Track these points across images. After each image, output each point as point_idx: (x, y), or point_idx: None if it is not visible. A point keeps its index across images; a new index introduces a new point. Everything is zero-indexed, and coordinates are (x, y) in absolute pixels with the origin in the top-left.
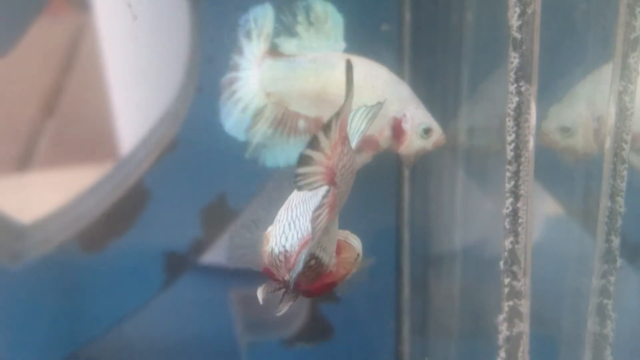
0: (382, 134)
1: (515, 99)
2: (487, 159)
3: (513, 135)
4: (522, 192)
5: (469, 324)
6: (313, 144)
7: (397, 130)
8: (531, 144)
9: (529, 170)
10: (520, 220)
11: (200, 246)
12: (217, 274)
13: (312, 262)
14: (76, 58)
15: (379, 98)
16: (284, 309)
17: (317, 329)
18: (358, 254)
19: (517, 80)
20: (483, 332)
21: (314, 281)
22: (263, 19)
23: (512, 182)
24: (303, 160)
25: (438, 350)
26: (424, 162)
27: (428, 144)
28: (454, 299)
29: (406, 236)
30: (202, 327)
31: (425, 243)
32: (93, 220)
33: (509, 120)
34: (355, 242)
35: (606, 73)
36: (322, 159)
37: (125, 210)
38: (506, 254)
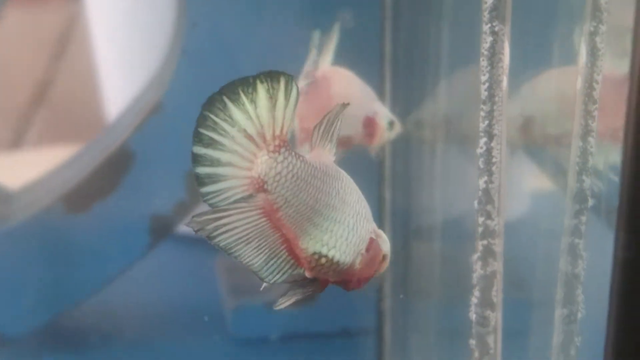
0: (357, 132)
1: (489, 38)
2: (463, 140)
3: (487, 75)
4: (495, 131)
5: (446, 287)
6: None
7: (372, 127)
8: (505, 84)
9: (502, 110)
10: (494, 160)
11: (184, 209)
12: (202, 242)
13: (323, 260)
14: (68, 45)
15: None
16: (285, 303)
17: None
18: (384, 255)
19: (490, 20)
20: (459, 294)
21: (336, 277)
22: None
23: (486, 122)
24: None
25: (417, 307)
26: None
27: (392, 135)
28: (433, 263)
29: (388, 206)
30: (187, 291)
31: (407, 210)
32: (78, 182)
33: (483, 60)
34: (384, 244)
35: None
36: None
37: (110, 172)
38: (480, 193)
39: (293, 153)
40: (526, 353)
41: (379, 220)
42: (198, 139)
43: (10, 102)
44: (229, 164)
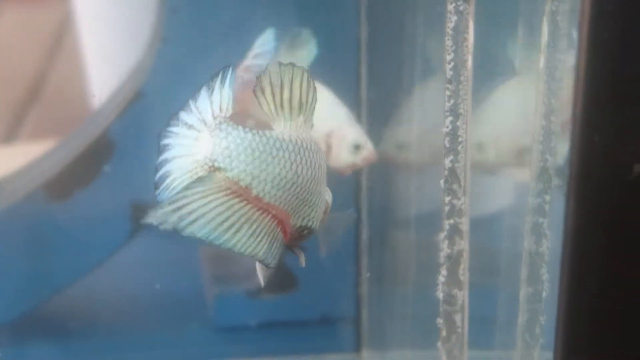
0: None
1: (454, 17)
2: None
3: (452, 55)
4: (461, 110)
5: (421, 273)
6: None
7: (327, 146)
8: (469, 63)
9: (467, 90)
10: (460, 140)
11: None
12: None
13: (305, 231)
14: (62, 41)
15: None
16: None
17: (281, 280)
18: (327, 206)
19: (455, 0)
20: (431, 278)
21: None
22: None
23: (452, 101)
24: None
25: (394, 293)
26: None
27: (358, 159)
28: (409, 249)
29: (364, 193)
30: (168, 279)
31: (384, 198)
32: (60, 171)
33: (448, 40)
34: (329, 197)
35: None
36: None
37: (91, 160)
38: (446, 172)
39: (240, 128)
40: (492, 332)
41: (356, 207)
42: (160, 153)
43: (3, 98)
44: (174, 158)
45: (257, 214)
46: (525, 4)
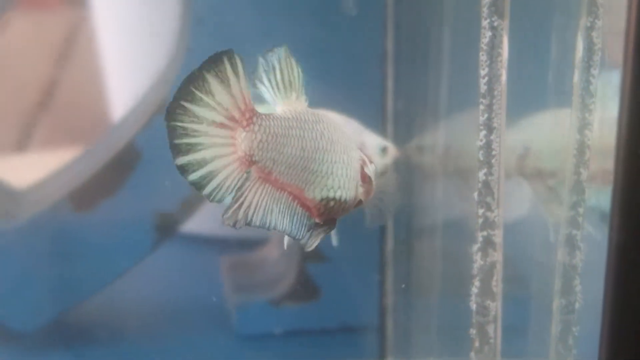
0: None
1: (489, 33)
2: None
3: (486, 69)
4: (495, 124)
5: (447, 282)
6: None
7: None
8: (504, 78)
9: (501, 104)
10: (493, 153)
11: (189, 207)
12: (207, 241)
13: (332, 203)
14: (74, 48)
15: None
16: (314, 243)
17: (303, 289)
18: (370, 178)
19: (490, 15)
20: (460, 289)
21: (344, 213)
22: None
23: (486, 115)
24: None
25: (420, 302)
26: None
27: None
28: (435, 259)
29: None
30: (192, 288)
31: (409, 207)
32: (85, 181)
33: (482, 55)
34: (371, 167)
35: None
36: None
37: (117, 170)
38: (480, 185)
39: (263, 116)
40: (525, 343)
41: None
42: (176, 150)
43: (15, 105)
44: (214, 158)
45: (278, 193)
46: (559, 20)
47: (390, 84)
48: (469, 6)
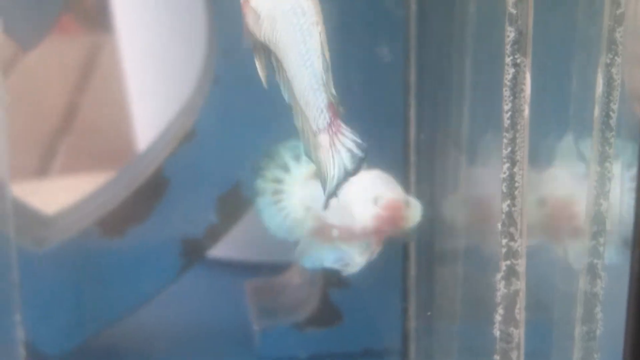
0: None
1: (512, 70)
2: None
3: (510, 105)
4: (518, 157)
5: (469, 308)
6: None
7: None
8: (526, 112)
9: (524, 137)
10: (516, 185)
11: (215, 233)
12: (231, 266)
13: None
14: (95, 73)
15: None
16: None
17: (327, 314)
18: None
19: (513, 53)
20: (483, 315)
21: None
22: None
23: (509, 149)
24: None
25: (442, 327)
26: (430, 159)
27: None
28: (457, 284)
29: None
30: (216, 313)
31: (431, 232)
32: (114, 207)
33: (506, 90)
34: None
35: None
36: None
37: (145, 197)
38: (503, 216)
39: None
40: None
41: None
42: None
43: (35, 130)
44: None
45: None
46: (580, 57)
47: (412, 115)
48: (492, 42)
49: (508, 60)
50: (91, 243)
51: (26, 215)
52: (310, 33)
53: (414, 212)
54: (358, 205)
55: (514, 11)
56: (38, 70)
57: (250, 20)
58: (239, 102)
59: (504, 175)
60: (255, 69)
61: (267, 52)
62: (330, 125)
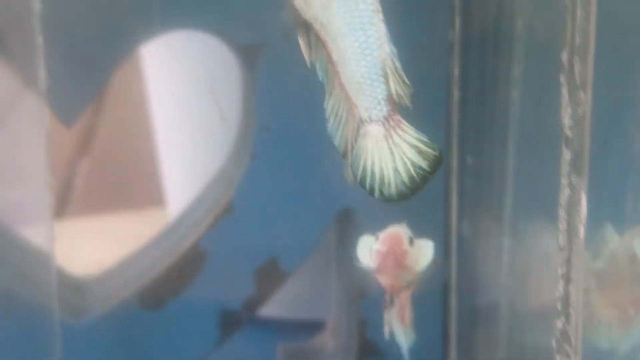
0: None
1: (567, 190)
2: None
3: (565, 224)
4: (573, 276)
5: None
6: None
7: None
8: (582, 233)
9: (580, 257)
10: (571, 303)
11: (253, 305)
12: (267, 327)
13: None
14: (108, 102)
15: None
16: None
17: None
18: None
19: (569, 174)
20: None
21: None
22: None
23: (565, 268)
24: None
25: None
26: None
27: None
28: (499, 351)
29: (453, 294)
30: None
31: (472, 297)
32: (152, 278)
33: (561, 211)
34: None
35: None
36: None
37: (184, 269)
38: (558, 333)
39: None
40: None
41: (444, 298)
42: None
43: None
44: None
45: None
46: (635, 178)
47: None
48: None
49: (564, 181)
50: (131, 315)
51: (63, 282)
52: (371, 21)
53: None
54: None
55: (569, 134)
56: None
57: None
58: (277, 177)
59: (559, 294)
60: (294, 146)
61: (307, 29)
62: (387, 118)
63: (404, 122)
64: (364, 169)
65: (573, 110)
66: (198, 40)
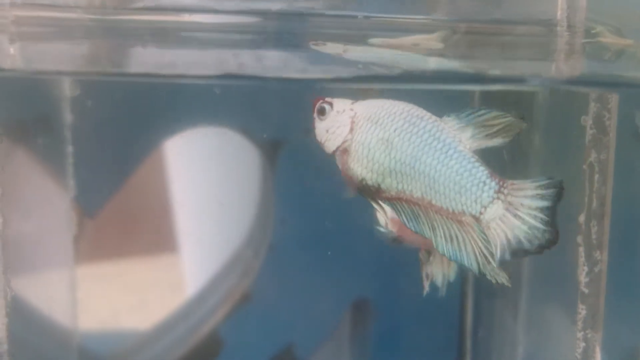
0: None
1: (582, 344)
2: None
3: None
4: None
5: None
6: None
7: None
8: None
9: None
10: None
11: None
12: None
13: None
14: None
15: None
16: None
17: None
18: None
19: (584, 328)
20: None
21: None
22: None
23: None
24: None
25: None
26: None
27: None
28: None
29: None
30: None
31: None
32: None
33: None
34: None
35: None
36: None
37: (201, 356)
38: None
39: None
40: None
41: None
42: None
43: None
44: None
45: None
46: None
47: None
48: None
49: (579, 335)
50: None
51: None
52: (437, 127)
53: None
54: None
55: (585, 290)
56: None
57: (352, 162)
58: (293, 268)
59: None
60: (310, 238)
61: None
62: (500, 190)
63: (513, 181)
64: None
65: (589, 268)
66: (222, 135)
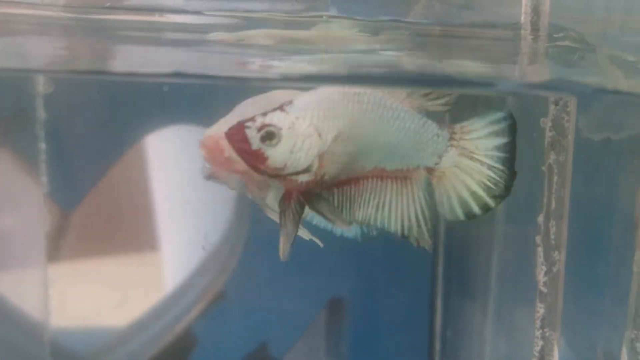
0: None
1: (540, 342)
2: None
3: None
4: None
5: None
6: None
7: None
8: None
9: None
10: None
11: None
12: None
13: None
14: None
15: None
16: None
17: None
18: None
19: (542, 327)
20: None
21: None
22: None
23: None
24: None
25: None
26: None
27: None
28: None
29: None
30: None
31: None
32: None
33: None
34: None
35: None
36: None
37: (175, 354)
38: None
39: None
40: None
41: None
42: None
43: None
44: None
45: None
46: (606, 332)
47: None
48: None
49: (537, 333)
50: None
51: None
52: (377, 96)
53: None
54: None
55: (544, 289)
56: None
57: (327, 164)
58: (268, 266)
59: None
60: None
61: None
62: (452, 137)
63: (464, 124)
64: (451, 205)
65: (548, 268)
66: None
